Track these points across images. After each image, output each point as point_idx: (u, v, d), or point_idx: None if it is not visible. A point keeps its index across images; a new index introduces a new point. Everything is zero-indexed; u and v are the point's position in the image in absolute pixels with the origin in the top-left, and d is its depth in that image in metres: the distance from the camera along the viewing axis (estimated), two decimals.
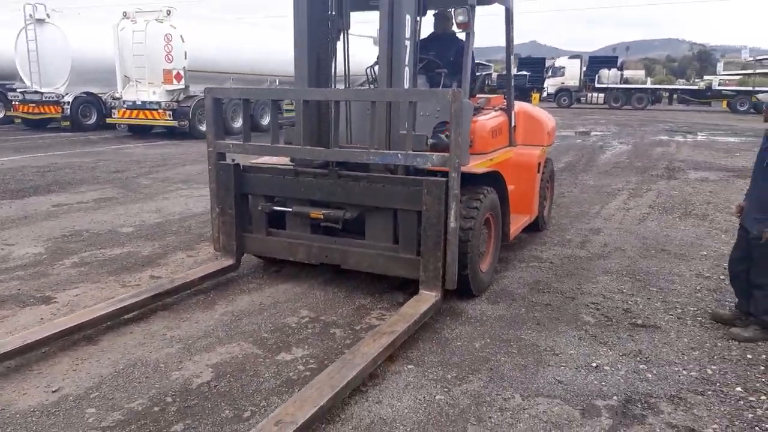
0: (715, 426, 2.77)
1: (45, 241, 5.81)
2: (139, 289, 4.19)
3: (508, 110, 5.78)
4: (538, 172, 5.92)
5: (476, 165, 4.52)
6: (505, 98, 5.93)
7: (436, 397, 2.98)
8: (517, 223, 5.29)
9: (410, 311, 3.63)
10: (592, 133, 18.87)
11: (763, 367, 3.37)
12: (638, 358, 3.45)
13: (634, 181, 9.82)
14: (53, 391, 2.98)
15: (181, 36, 15.28)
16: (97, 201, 7.70)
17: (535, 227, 6.15)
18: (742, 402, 3.00)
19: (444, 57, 5.40)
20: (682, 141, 16.56)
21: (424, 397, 2.98)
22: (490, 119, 5.35)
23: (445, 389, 3.06)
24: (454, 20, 5.38)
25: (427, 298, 3.80)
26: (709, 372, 3.30)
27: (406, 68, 4.27)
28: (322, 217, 4.34)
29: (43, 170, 10.09)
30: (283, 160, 4.89)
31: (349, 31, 4.69)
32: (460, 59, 5.33)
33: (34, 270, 4.91)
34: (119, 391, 2.98)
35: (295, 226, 4.61)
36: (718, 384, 3.17)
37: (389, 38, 4.20)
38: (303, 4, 4.37)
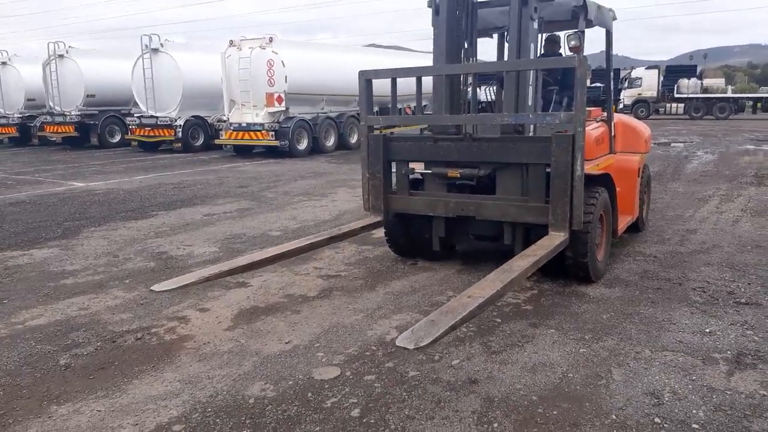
0: None
1: (214, 242, 6.98)
2: (320, 233, 5.48)
3: (608, 121, 6.52)
4: (638, 176, 6.60)
5: (589, 168, 5.30)
6: (603, 110, 6.69)
7: (580, 350, 3.79)
8: (622, 222, 6.01)
9: (546, 243, 4.44)
10: (675, 144, 19.02)
11: None
12: (745, 326, 4.13)
13: (723, 188, 10.21)
14: (286, 343, 3.98)
15: (282, 61, 16.68)
16: (239, 211, 8.91)
17: (635, 228, 6.80)
18: None
19: (553, 76, 6.22)
20: None
21: (570, 350, 3.80)
22: (593, 129, 6.11)
23: (586, 345, 3.87)
24: (562, 43, 6.23)
25: (557, 237, 4.56)
26: None
27: (530, 87, 5.13)
28: (459, 175, 5.20)
29: (178, 186, 11.52)
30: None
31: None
32: (567, 78, 6.15)
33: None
34: (334, 343, 3.96)
35: (433, 186, 5.49)
36: None
37: (517, 87, 5.08)
38: (442, 37, 5.32)
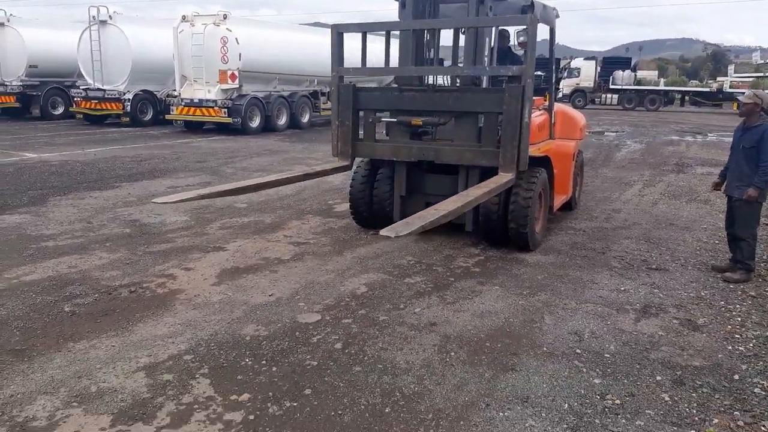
0: (704, 318, 4.30)
1: (183, 213, 7.39)
2: (294, 172, 6.31)
3: (549, 110, 7.30)
4: (573, 160, 7.42)
5: (532, 151, 6.05)
6: (545, 100, 7.46)
7: (519, 302, 4.53)
8: (558, 200, 6.82)
9: (497, 179, 5.22)
10: (608, 133, 20.30)
11: (739, 292, 4.89)
12: (653, 286, 4.98)
13: (647, 174, 11.28)
14: (269, 296, 4.56)
15: (236, 39, 16.81)
16: (201, 184, 9.29)
17: (568, 207, 7.64)
18: (723, 309, 4.52)
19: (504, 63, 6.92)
20: (692, 141, 17.98)
21: (511, 302, 4.54)
22: (536, 117, 6.87)
23: (524, 298, 4.61)
24: (512, 39, 6.93)
25: (505, 176, 5.30)
26: (702, 294, 4.83)
27: (486, 45, 5.81)
28: (421, 123, 5.83)
29: (135, 160, 11.72)
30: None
31: None
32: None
33: (193, 231, 6.50)
34: (312, 295, 4.56)
35: (397, 134, 6.12)
36: (708, 300, 4.70)
37: (474, 54, 5.74)
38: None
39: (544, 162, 6.10)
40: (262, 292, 4.62)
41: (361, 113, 6.14)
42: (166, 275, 5.02)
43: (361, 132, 6.18)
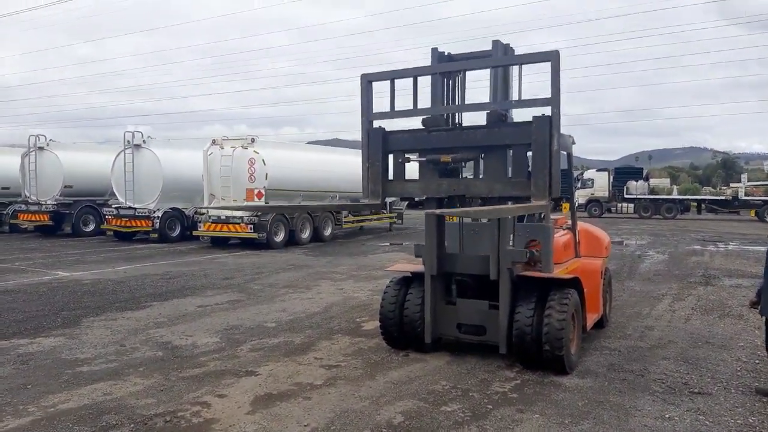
0: None
1: (213, 333, 7.43)
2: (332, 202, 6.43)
3: (573, 229, 7.44)
4: (601, 278, 7.44)
5: (560, 272, 6.11)
6: (567, 219, 7.63)
7: None
8: (590, 319, 6.77)
9: (531, 204, 5.29)
10: (628, 242, 20.34)
11: None
12: (698, 413, 4.82)
13: (675, 287, 11.18)
14: (305, 426, 4.49)
15: (263, 160, 17.65)
16: (230, 303, 9.39)
17: (599, 324, 7.56)
18: None
19: None
20: (715, 250, 17.90)
21: None
22: (561, 237, 7.02)
23: (566, 428, 4.49)
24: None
25: (539, 203, 5.32)
26: (751, 420, 4.66)
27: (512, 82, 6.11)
28: (450, 160, 5.91)
29: (164, 278, 11.93)
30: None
31: None
32: None
33: (224, 354, 6.51)
34: (348, 425, 4.48)
35: (425, 173, 6.20)
36: (757, 427, 4.53)
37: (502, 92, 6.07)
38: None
39: (574, 283, 6.13)
40: (297, 422, 4.55)
41: (391, 155, 6.33)
42: (200, 402, 4.98)
43: (391, 173, 6.36)
